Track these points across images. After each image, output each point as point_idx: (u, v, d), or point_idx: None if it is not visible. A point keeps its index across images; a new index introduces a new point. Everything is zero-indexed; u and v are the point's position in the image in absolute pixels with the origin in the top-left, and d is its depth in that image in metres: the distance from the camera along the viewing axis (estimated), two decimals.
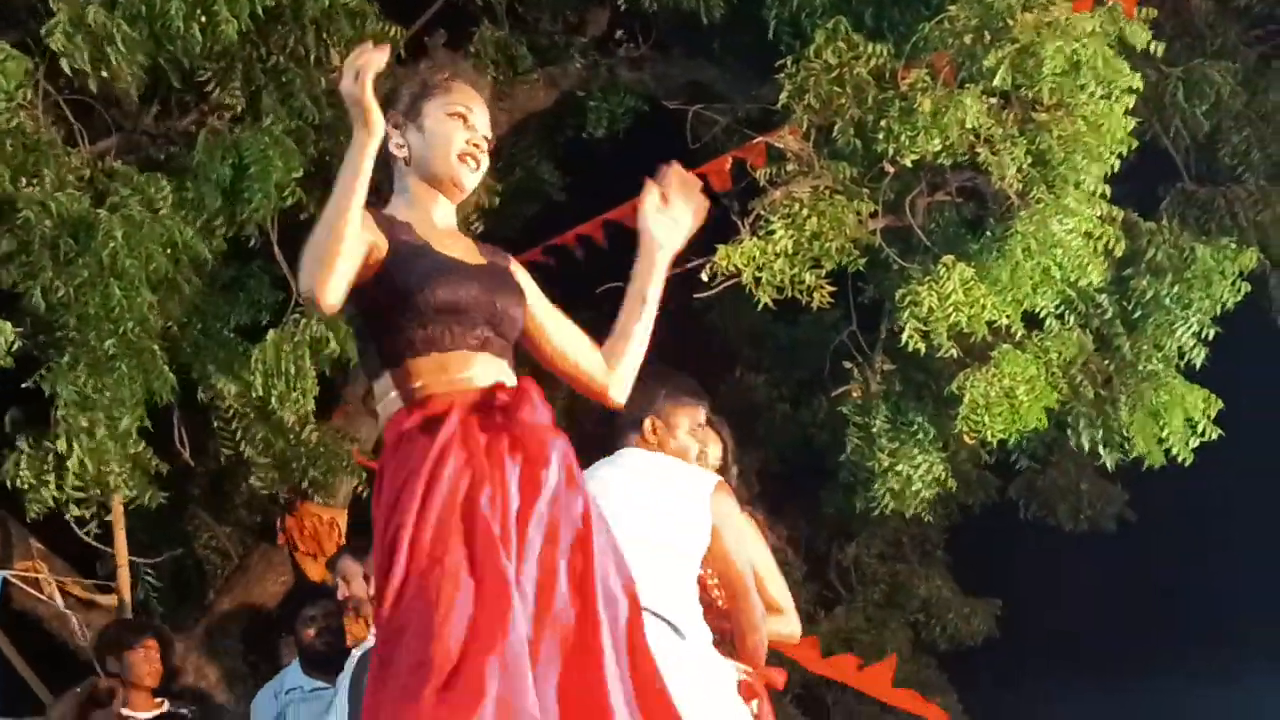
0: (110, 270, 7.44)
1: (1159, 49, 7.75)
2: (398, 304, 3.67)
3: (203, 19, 7.54)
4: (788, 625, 5.34)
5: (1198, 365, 8.04)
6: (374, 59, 3.53)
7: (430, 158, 3.86)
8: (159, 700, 7.49)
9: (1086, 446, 8.25)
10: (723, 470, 5.39)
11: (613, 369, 4.02)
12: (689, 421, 5.06)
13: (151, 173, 7.95)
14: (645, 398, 4.83)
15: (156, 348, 7.79)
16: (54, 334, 7.70)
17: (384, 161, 3.79)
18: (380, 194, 3.79)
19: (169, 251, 7.65)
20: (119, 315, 7.49)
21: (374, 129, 3.52)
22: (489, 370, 3.74)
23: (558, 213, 9.99)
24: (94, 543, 8.86)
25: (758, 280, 7.86)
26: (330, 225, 3.51)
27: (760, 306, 7.98)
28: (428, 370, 3.68)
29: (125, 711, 7.36)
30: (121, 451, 7.74)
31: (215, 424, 8.69)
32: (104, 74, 7.53)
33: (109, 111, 8.42)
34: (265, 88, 8.25)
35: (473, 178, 3.90)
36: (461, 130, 3.88)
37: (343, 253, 3.51)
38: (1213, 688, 11.70)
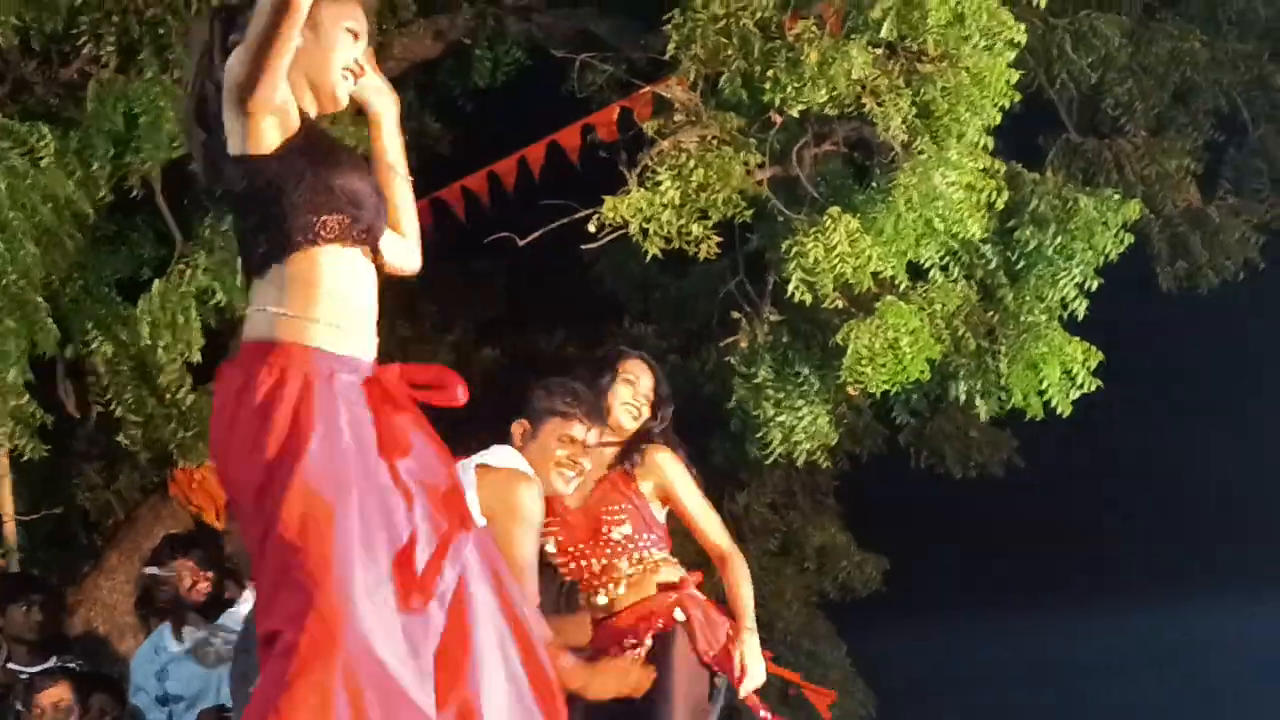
0: None
1: (1043, 2, 7.77)
2: (303, 181, 3.65)
3: None
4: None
5: (1080, 317, 8.09)
6: None
7: (316, 61, 3.78)
8: (48, 656, 7.41)
9: (964, 398, 8.29)
10: (655, 409, 5.64)
11: (407, 237, 4.03)
12: (556, 431, 5.22)
13: (34, 122, 7.84)
14: (528, 404, 5.24)
15: (40, 299, 7.70)
16: None
17: None
18: None
19: (51, 206, 7.56)
20: (2, 268, 7.42)
21: None
22: (370, 298, 3.74)
23: (441, 164, 9.91)
24: None
25: (645, 232, 7.83)
26: (277, 28, 3.46)
27: (648, 258, 7.96)
28: (322, 278, 3.65)
29: (11, 666, 7.30)
30: (3, 404, 7.69)
31: (89, 381, 8.59)
32: None
33: None
34: (142, 40, 8.12)
35: (344, 96, 3.85)
36: (350, 46, 3.83)
37: (285, 53, 3.52)
38: (1096, 618, 11.91)
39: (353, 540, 3.47)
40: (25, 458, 8.14)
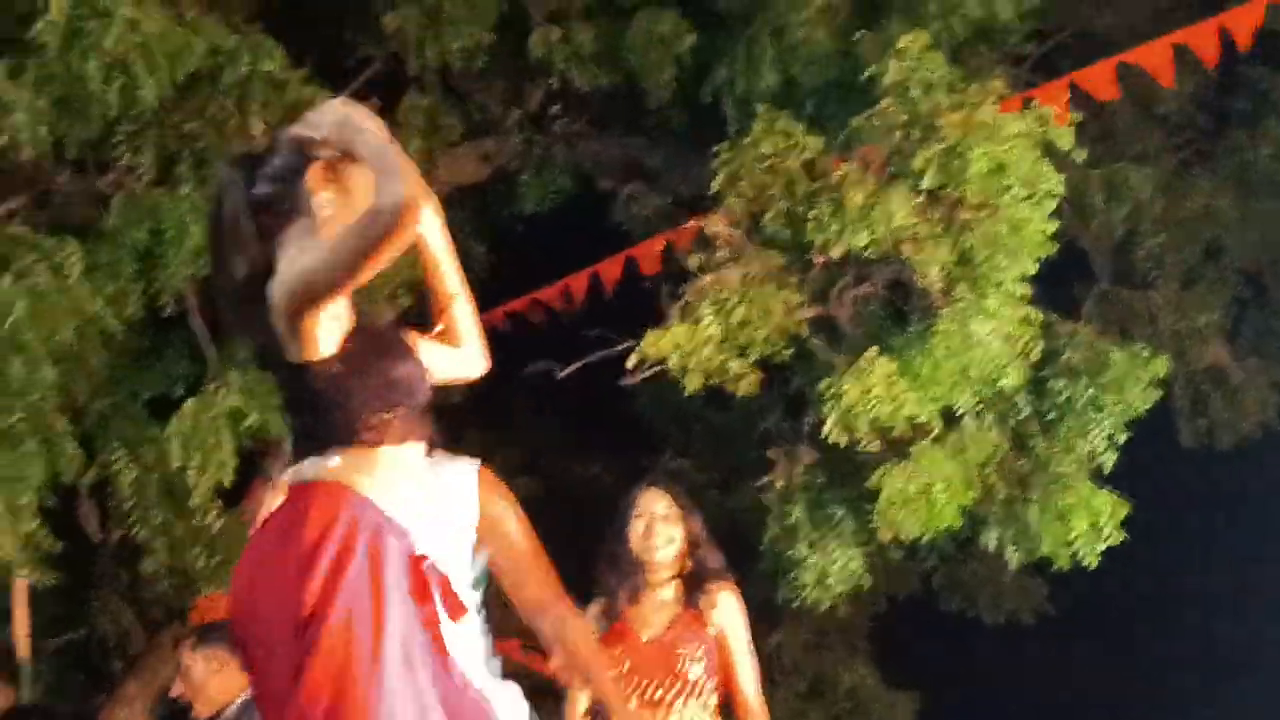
0: (11, 345, 7.32)
1: (1081, 155, 7.84)
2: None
3: (121, 82, 7.47)
4: None
5: (1107, 469, 8.08)
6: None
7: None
8: None
9: (994, 546, 8.29)
10: (689, 532, 5.73)
11: (466, 346, 3.97)
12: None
13: (61, 236, 7.81)
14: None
15: (63, 423, 7.67)
16: None
17: (285, 206, 3.62)
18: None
19: (76, 324, 7.54)
20: (20, 391, 7.37)
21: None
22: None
23: (481, 289, 9.97)
24: None
25: (685, 368, 7.89)
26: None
27: (687, 394, 8.01)
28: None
29: None
30: (14, 531, 7.57)
31: (111, 504, 8.55)
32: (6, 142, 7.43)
33: (17, 171, 8.26)
34: (179, 154, 8.14)
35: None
36: None
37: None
38: None
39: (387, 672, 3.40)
40: (36, 585, 8.10)
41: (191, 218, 7.77)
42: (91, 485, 8.58)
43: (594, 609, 5.63)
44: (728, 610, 5.70)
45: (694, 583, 5.70)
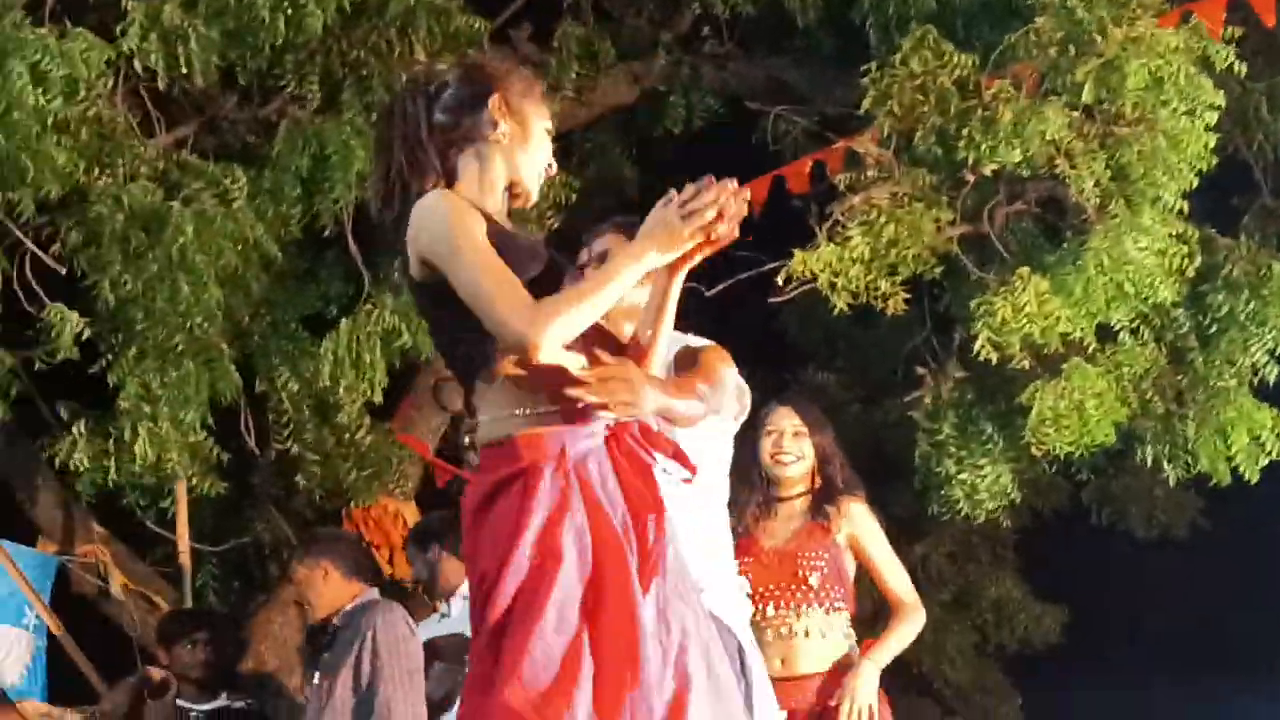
0: (179, 266, 7.47)
1: (1242, 68, 7.70)
2: None
3: (289, 11, 7.58)
4: None
5: (1271, 382, 7.99)
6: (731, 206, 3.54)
7: (524, 162, 3.80)
8: (217, 693, 7.50)
9: (1150, 461, 8.22)
10: (820, 449, 5.79)
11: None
12: None
13: (227, 162, 7.98)
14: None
15: (224, 346, 7.86)
16: (120, 328, 7.77)
17: (454, 135, 3.74)
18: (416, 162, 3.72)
19: (239, 248, 7.68)
20: (187, 311, 7.54)
21: (665, 262, 3.52)
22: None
23: (631, 209, 9.99)
24: (157, 528, 8.99)
25: (833, 286, 7.87)
26: (591, 303, 3.46)
27: (835, 311, 8.00)
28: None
29: (181, 703, 7.36)
30: (182, 441, 7.80)
31: (271, 418, 8.73)
32: (179, 71, 7.59)
33: (187, 98, 8.48)
34: (344, 81, 8.28)
35: (537, 195, 3.90)
36: (548, 147, 3.88)
37: (574, 333, 3.48)
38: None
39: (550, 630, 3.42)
40: (202, 494, 8.29)
41: (355, 143, 7.85)
42: (250, 401, 8.72)
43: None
44: (857, 518, 5.75)
45: (823, 497, 5.74)
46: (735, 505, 5.68)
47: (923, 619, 5.90)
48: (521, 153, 3.80)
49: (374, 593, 6.65)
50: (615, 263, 3.53)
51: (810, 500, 5.80)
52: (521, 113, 3.79)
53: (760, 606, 5.60)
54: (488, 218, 3.64)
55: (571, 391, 3.49)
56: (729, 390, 4.26)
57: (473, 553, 3.58)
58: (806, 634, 5.64)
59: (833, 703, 5.58)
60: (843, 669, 5.65)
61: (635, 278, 3.51)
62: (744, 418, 4.61)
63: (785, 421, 5.83)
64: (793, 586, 5.66)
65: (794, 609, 5.65)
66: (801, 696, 5.52)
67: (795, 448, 5.79)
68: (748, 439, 5.70)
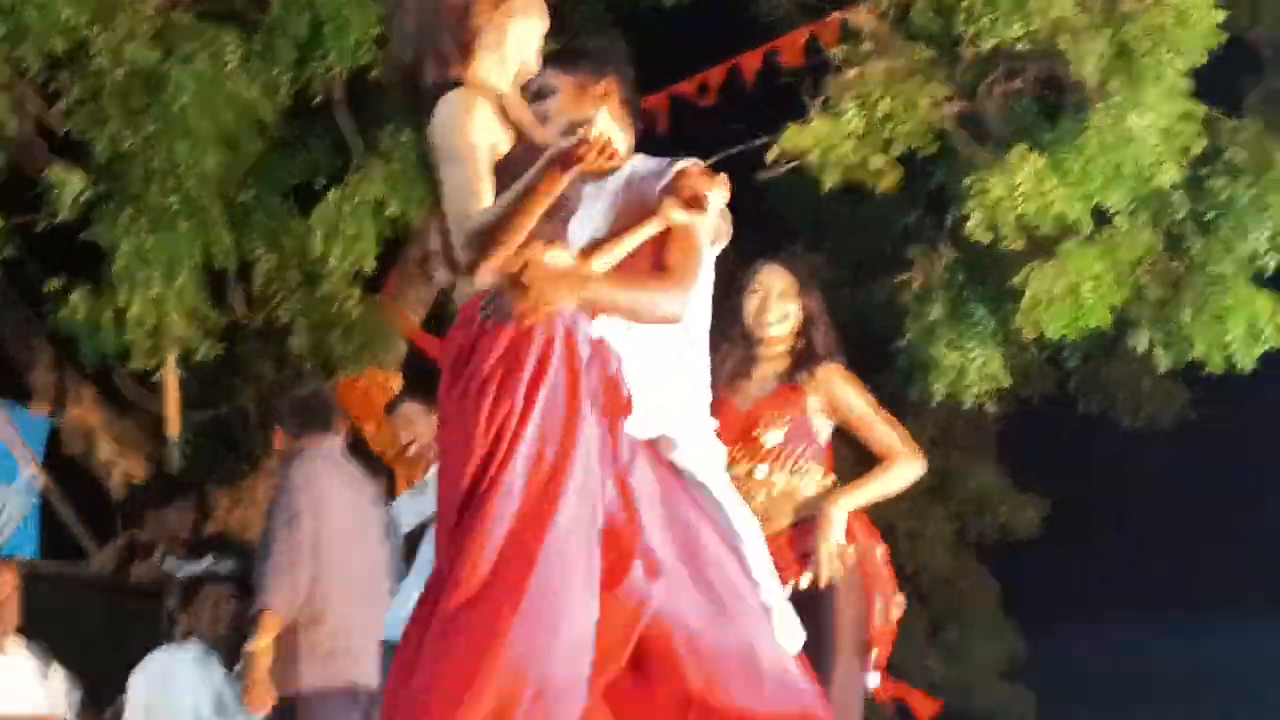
0: (178, 126, 7.40)
1: None
2: None
3: None
4: None
5: (1269, 270, 7.85)
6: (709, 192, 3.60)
7: (523, 57, 3.73)
8: (203, 556, 7.51)
9: (1144, 347, 8.09)
10: (806, 312, 5.52)
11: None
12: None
13: (222, 25, 7.85)
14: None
15: (217, 208, 7.77)
16: (117, 186, 7.67)
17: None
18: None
19: (235, 110, 7.61)
20: (184, 172, 7.47)
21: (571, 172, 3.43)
22: None
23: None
24: (144, 396, 8.93)
25: (824, 163, 7.69)
26: (504, 228, 3.42)
27: (826, 189, 7.83)
28: None
29: (166, 567, 7.40)
30: (179, 304, 7.75)
31: (259, 287, 8.64)
32: None
33: None
34: None
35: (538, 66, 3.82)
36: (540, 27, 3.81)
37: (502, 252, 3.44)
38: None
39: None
40: (199, 358, 8.20)
41: (351, 11, 7.72)
42: (238, 269, 8.64)
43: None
44: (832, 381, 5.53)
45: (801, 362, 5.57)
46: (713, 361, 5.53)
47: (917, 468, 5.66)
48: (520, 43, 3.73)
49: (320, 443, 6.39)
50: (525, 182, 3.44)
51: (788, 363, 5.63)
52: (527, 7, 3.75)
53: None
54: (504, 108, 3.61)
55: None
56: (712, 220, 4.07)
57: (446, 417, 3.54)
58: (769, 493, 5.49)
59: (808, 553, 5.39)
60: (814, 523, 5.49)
61: (545, 199, 3.44)
62: (723, 244, 4.43)
63: (773, 280, 5.64)
64: (746, 446, 5.50)
65: (753, 472, 5.50)
66: (776, 554, 5.34)
67: (780, 308, 5.60)
68: (730, 297, 5.54)
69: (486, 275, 3.45)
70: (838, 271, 11.03)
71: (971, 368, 8.32)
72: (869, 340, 10.29)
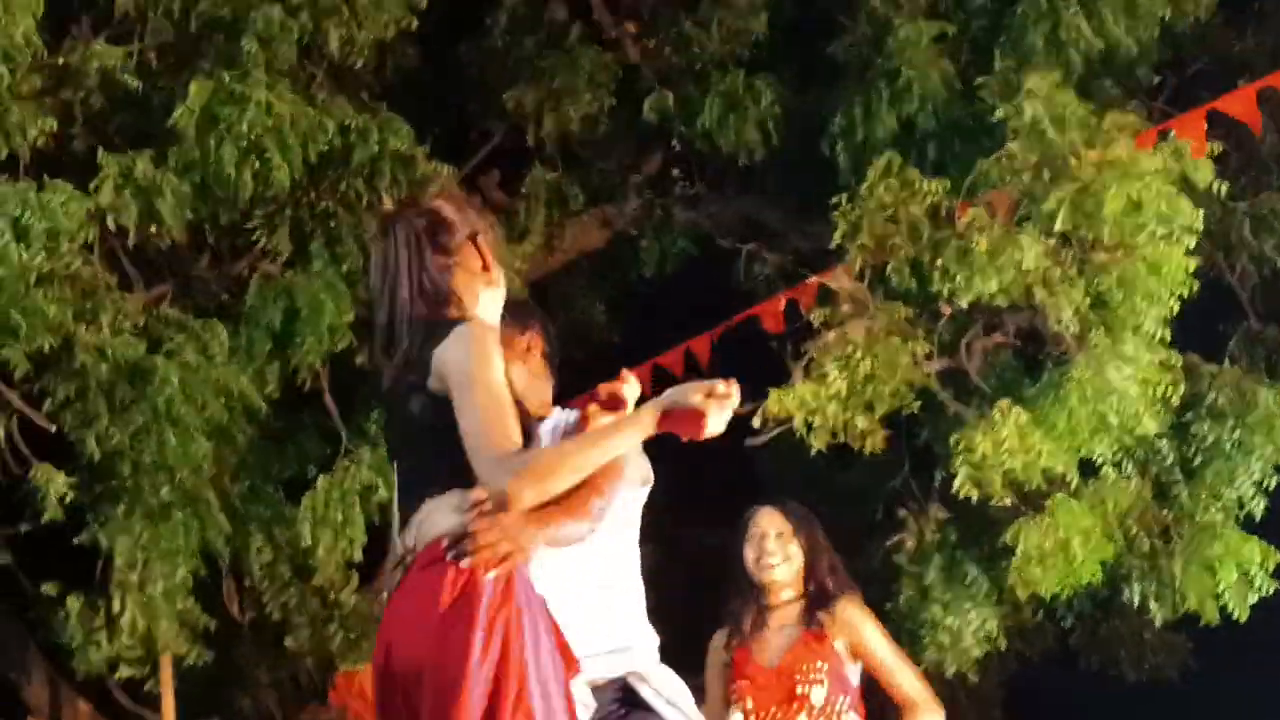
0: (166, 417, 7.46)
1: (1223, 188, 7.60)
2: None
3: (256, 165, 7.64)
4: None
5: (1258, 516, 7.81)
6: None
7: (497, 305, 3.82)
8: None
9: (1138, 600, 8.02)
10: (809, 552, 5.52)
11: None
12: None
13: (207, 319, 7.98)
14: None
15: (211, 496, 7.78)
16: (108, 483, 7.71)
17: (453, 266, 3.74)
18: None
19: (224, 400, 7.68)
20: (174, 463, 7.51)
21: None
22: None
23: (608, 356, 9.86)
24: (139, 708, 9.00)
25: (809, 426, 7.69)
26: (573, 468, 3.44)
27: (814, 453, 7.80)
28: None
29: None
30: (171, 609, 7.76)
31: (251, 583, 8.60)
32: (153, 229, 7.67)
33: (162, 257, 8.47)
34: (313, 233, 8.25)
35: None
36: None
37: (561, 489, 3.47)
38: None
39: None
40: (189, 663, 8.17)
41: (325, 295, 7.88)
42: (230, 565, 8.62)
43: (719, 638, 5.50)
44: (854, 621, 5.47)
45: (816, 602, 5.47)
46: (729, 616, 5.48)
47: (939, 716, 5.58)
48: (496, 296, 3.82)
49: None
50: (616, 426, 3.55)
51: (803, 607, 5.52)
52: (498, 259, 3.83)
53: None
54: None
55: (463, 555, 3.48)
56: (633, 460, 4.09)
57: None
58: None
59: None
60: None
61: (633, 442, 3.53)
62: (649, 485, 4.42)
63: (767, 524, 5.57)
64: (794, 705, 5.37)
65: None
66: None
67: (780, 550, 5.52)
68: (734, 549, 5.53)
69: (529, 499, 3.43)
70: (831, 539, 10.96)
71: (968, 629, 8.22)
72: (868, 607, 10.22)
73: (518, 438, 3.45)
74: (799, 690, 5.32)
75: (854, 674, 5.44)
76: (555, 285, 10.18)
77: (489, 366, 3.51)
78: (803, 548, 5.55)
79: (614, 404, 3.78)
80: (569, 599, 3.84)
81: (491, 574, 3.43)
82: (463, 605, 3.42)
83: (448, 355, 3.55)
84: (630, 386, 3.79)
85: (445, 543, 3.48)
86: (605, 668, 4.09)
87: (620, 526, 4.31)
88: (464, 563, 3.43)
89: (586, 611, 4.02)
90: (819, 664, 5.34)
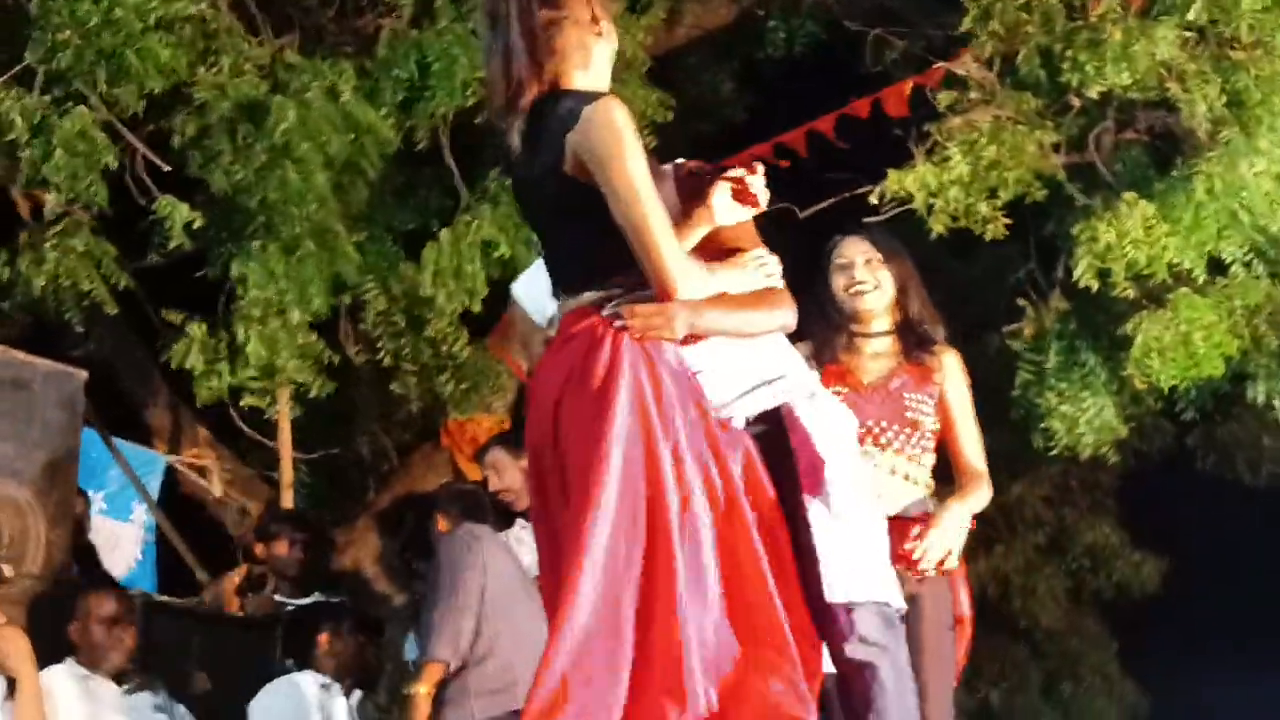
0: (285, 153, 7.41)
1: None
2: None
3: None
4: None
5: None
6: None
7: (605, 80, 3.83)
8: (311, 590, 7.57)
9: (1262, 399, 7.94)
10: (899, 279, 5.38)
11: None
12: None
13: (335, 59, 7.88)
14: None
15: (341, 229, 7.78)
16: (235, 218, 7.72)
17: (565, 22, 3.76)
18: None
19: (353, 137, 7.61)
20: (299, 199, 7.46)
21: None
22: None
23: (733, 133, 9.82)
24: (259, 436, 9.21)
25: (930, 208, 7.62)
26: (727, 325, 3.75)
27: (934, 237, 7.74)
28: None
29: (278, 598, 7.55)
30: (292, 341, 7.84)
31: (368, 328, 8.70)
32: None
33: (288, 7, 8.39)
34: None
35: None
36: None
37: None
38: None
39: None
40: (312, 395, 8.26)
41: (459, 49, 7.71)
42: (349, 309, 8.75)
43: (802, 349, 5.05)
44: (953, 370, 5.35)
45: (913, 339, 5.34)
46: (813, 340, 5.25)
47: (989, 496, 5.47)
48: (607, 49, 3.82)
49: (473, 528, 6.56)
50: (753, 296, 3.84)
51: (899, 341, 5.41)
52: (608, 12, 3.83)
53: (869, 439, 5.18)
54: None
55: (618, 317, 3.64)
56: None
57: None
58: (906, 478, 5.26)
59: (907, 546, 5.16)
60: (922, 517, 5.24)
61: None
62: None
63: (854, 252, 5.38)
64: (899, 427, 5.27)
65: (893, 450, 5.26)
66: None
67: (870, 276, 5.31)
68: (817, 281, 5.34)
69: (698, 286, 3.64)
70: (949, 327, 10.94)
71: (1083, 417, 8.20)
72: (981, 395, 10.21)
73: (676, 240, 3.60)
74: (907, 413, 5.23)
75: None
76: (679, 60, 10.07)
77: (635, 154, 3.58)
78: (894, 275, 5.41)
79: (743, 196, 3.79)
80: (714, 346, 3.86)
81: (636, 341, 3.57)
82: (611, 364, 3.56)
83: (588, 140, 3.58)
84: (760, 184, 3.80)
85: (602, 306, 3.62)
86: (766, 399, 4.02)
87: None
88: (616, 324, 3.57)
89: (733, 352, 3.94)
90: (926, 395, 5.25)
